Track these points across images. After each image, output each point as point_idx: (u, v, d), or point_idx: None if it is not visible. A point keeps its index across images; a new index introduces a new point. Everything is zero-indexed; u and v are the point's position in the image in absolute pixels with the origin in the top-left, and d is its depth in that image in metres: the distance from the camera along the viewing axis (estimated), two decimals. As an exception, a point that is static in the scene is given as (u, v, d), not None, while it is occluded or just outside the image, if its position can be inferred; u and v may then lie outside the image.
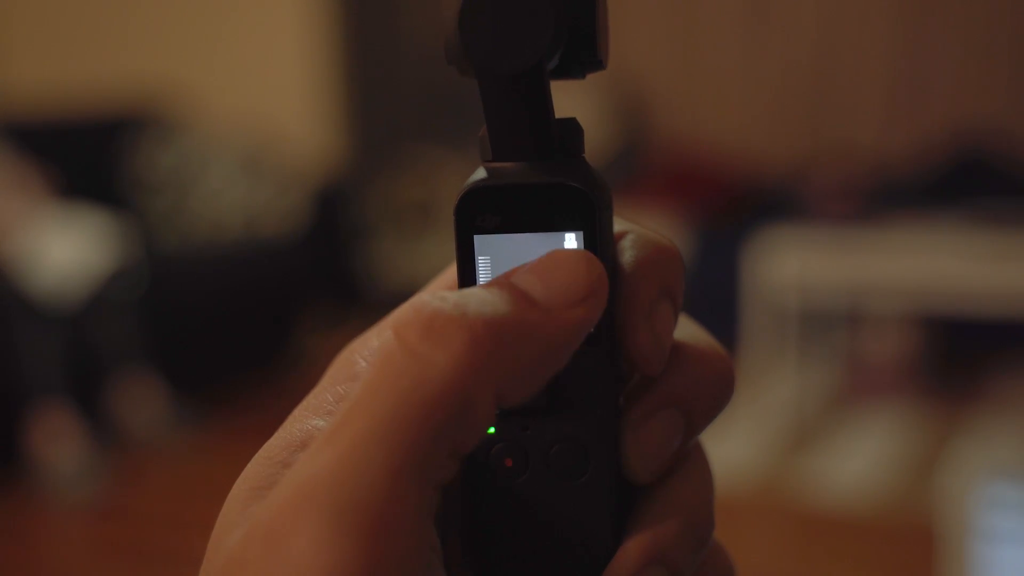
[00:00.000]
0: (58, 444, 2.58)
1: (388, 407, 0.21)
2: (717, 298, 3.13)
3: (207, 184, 3.50)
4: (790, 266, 2.74)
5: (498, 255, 0.25)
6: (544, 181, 0.25)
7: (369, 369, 0.22)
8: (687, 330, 0.27)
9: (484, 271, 0.25)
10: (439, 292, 0.23)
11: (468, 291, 0.23)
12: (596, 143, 3.77)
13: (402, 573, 0.20)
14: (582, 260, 0.23)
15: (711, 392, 0.26)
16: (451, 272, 0.26)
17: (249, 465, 0.24)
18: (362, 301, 3.67)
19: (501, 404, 0.22)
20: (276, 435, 0.25)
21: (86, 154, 3.53)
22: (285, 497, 0.21)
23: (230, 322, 3.26)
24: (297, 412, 0.25)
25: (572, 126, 0.26)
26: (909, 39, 3.77)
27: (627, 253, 0.25)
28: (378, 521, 0.20)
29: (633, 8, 4.04)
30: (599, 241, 0.25)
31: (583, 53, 0.25)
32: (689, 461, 0.26)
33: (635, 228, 0.26)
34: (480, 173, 0.25)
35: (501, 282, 0.23)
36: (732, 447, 2.63)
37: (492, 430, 0.25)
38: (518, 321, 0.22)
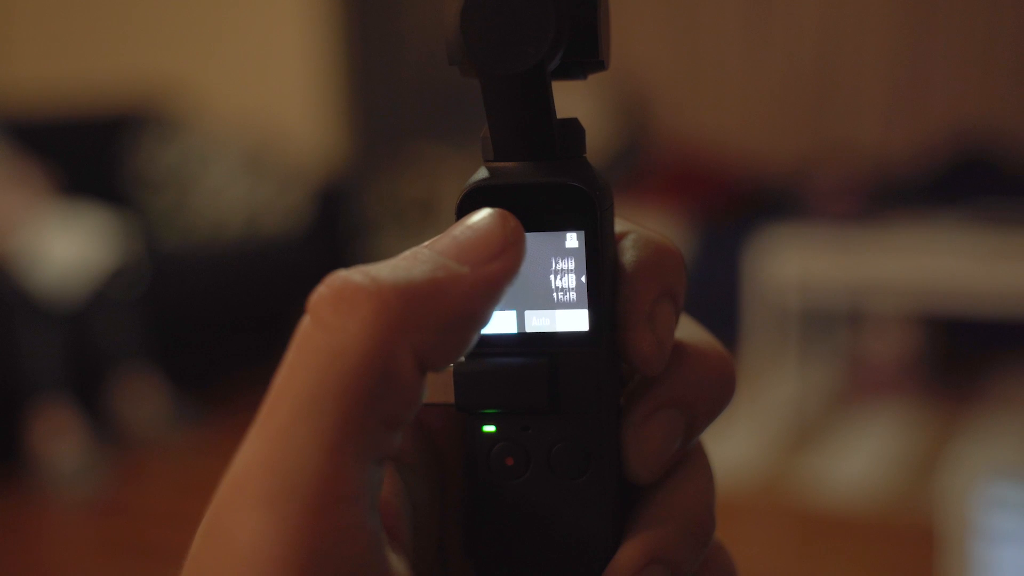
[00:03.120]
0: (59, 441, 2.58)
1: (309, 384, 0.21)
2: (718, 297, 3.13)
3: (209, 182, 3.50)
4: (791, 265, 2.74)
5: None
6: (546, 181, 0.25)
7: (288, 352, 0.22)
8: (688, 330, 0.27)
9: None
10: (355, 266, 0.22)
11: (383, 262, 0.23)
12: (597, 143, 3.77)
13: (347, 548, 0.20)
14: (496, 216, 0.24)
15: (712, 392, 0.26)
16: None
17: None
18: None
19: (428, 367, 0.22)
20: None
21: (87, 151, 3.53)
22: (222, 491, 0.21)
23: (231, 320, 3.26)
24: None
25: (574, 126, 0.25)
26: (910, 39, 3.77)
27: (628, 253, 0.25)
28: (314, 501, 0.20)
29: (635, 8, 4.03)
30: (600, 241, 0.25)
31: (585, 54, 0.25)
32: (690, 461, 0.26)
33: (636, 228, 0.26)
34: (482, 173, 0.25)
35: (417, 250, 0.23)
36: (733, 446, 2.63)
37: (493, 429, 0.25)
38: (429, 282, 0.22)
